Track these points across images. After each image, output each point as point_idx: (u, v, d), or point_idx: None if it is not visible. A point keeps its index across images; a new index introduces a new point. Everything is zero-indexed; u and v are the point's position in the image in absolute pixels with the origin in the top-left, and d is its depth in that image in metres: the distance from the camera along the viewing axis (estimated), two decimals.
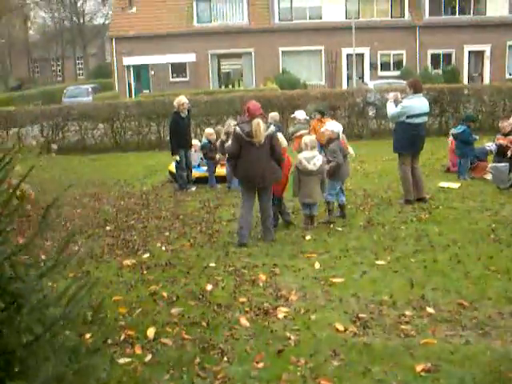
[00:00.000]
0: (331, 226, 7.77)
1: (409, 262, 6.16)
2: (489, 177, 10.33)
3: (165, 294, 5.53)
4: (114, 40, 33.62)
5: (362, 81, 31.68)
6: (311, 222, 7.75)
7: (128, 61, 33.53)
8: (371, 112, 17.80)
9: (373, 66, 33.40)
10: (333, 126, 8.14)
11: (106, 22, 51.36)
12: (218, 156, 10.88)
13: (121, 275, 6.19)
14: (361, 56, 32.60)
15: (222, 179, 10.85)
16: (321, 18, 32.89)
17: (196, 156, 11.45)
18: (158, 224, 8.37)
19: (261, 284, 5.72)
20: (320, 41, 32.73)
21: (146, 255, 6.87)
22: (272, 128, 7.21)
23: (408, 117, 8.37)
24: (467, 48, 33.00)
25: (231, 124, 10.78)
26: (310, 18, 33.04)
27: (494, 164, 10.28)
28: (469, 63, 33.49)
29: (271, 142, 7.06)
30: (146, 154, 16.05)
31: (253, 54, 33.43)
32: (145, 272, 6.25)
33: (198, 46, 32.84)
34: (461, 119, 11.59)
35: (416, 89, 8.47)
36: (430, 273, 5.82)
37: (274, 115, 11.55)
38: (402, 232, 7.34)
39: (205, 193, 10.46)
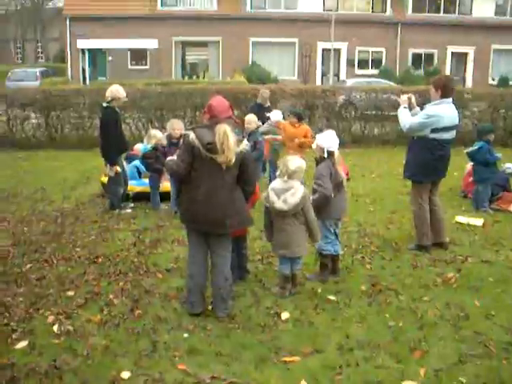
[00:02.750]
0: (319, 291, 5.21)
1: None
2: None
3: None
4: (68, 20, 30.30)
5: (338, 79, 29.25)
6: (292, 285, 5.17)
7: (83, 44, 30.33)
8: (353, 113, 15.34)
9: (350, 63, 31.00)
10: (325, 141, 5.43)
11: None
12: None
13: None
14: (337, 52, 30.14)
15: (167, 196, 8.19)
16: (296, 9, 30.37)
17: (125, 165, 8.68)
18: (63, 272, 5.67)
19: None
20: (294, 33, 30.17)
21: (23, 344, 4.17)
22: (246, 143, 4.56)
23: (433, 130, 5.83)
24: (450, 49, 30.92)
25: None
26: (284, 8, 30.45)
27: None
28: (451, 65, 31.40)
29: (242, 165, 4.49)
30: (86, 155, 13.13)
31: (220, 43, 30.63)
32: None
33: (161, 32, 29.87)
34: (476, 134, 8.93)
35: (446, 91, 5.85)
36: None
37: (253, 119, 8.27)
38: (427, 308, 4.82)
39: (143, 218, 7.76)
